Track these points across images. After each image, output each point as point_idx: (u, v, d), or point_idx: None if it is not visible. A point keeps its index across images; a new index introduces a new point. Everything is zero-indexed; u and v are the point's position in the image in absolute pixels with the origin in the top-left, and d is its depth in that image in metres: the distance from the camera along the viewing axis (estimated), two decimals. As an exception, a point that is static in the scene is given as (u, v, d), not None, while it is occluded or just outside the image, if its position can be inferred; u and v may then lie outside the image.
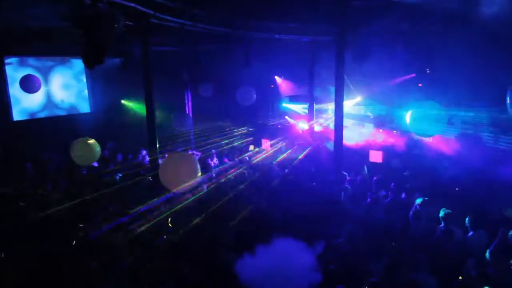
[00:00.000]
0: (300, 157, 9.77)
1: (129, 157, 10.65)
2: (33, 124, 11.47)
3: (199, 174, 5.62)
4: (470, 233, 5.04)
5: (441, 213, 5.36)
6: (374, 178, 7.66)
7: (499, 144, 8.72)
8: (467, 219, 5.20)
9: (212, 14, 7.55)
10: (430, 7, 6.47)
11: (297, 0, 7.15)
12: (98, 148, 8.02)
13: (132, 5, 5.84)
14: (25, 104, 11.41)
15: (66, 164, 9.23)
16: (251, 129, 13.91)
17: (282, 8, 7.48)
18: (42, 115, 11.86)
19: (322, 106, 12.60)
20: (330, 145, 9.94)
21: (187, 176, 5.46)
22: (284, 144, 11.50)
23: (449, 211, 5.32)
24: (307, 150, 10.05)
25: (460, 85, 8.71)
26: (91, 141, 8.01)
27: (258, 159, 10.02)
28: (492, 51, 7.75)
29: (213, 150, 10.74)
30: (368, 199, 6.66)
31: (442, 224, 5.23)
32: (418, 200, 5.84)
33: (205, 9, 7.31)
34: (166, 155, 7.48)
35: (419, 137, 9.92)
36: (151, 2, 6.33)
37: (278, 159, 9.88)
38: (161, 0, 6.48)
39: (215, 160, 9.90)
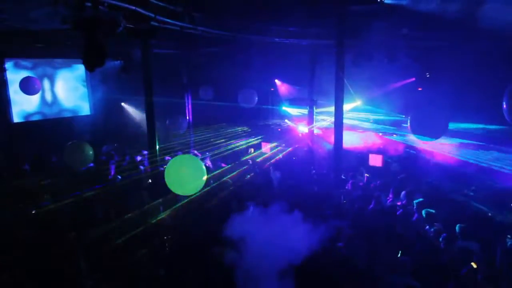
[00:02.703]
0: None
1: (126, 159, 10.63)
2: (33, 126, 11.48)
3: (205, 176, 5.53)
4: (459, 242, 4.99)
5: (423, 214, 5.38)
6: (378, 182, 7.69)
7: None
8: (457, 226, 5.16)
9: (212, 17, 7.58)
10: (431, 13, 6.51)
11: (297, 4, 7.18)
12: (91, 151, 8.02)
13: (133, 8, 5.86)
14: (25, 106, 11.42)
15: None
16: (249, 131, 13.93)
17: (282, 12, 7.52)
18: (42, 117, 11.87)
19: (322, 109, 12.60)
20: (329, 148, 9.97)
21: (194, 179, 5.39)
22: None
23: (432, 211, 5.34)
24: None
25: (460, 90, 8.75)
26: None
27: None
28: (492, 55, 7.80)
29: (207, 153, 10.75)
30: (372, 204, 6.65)
31: (427, 226, 5.25)
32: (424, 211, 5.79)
33: (205, 12, 7.34)
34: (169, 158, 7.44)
35: (419, 141, 9.93)
36: (152, 5, 6.35)
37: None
38: (162, 3, 6.51)
39: (209, 163, 9.87)
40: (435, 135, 7.66)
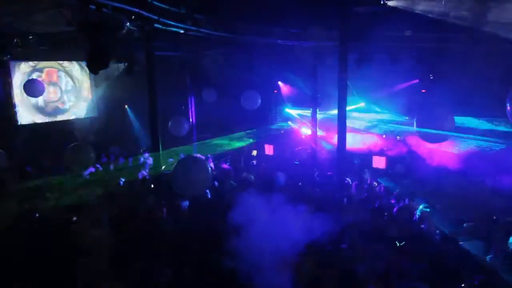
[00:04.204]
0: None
1: (129, 161, 10.64)
2: (37, 128, 11.55)
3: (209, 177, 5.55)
4: (465, 242, 4.97)
5: (418, 212, 5.37)
6: (382, 187, 7.67)
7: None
8: (464, 225, 5.17)
9: (215, 20, 7.61)
10: (433, 15, 6.51)
11: (300, 6, 7.19)
12: (91, 154, 8.04)
13: (136, 10, 5.89)
14: (29, 108, 11.50)
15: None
16: (252, 133, 13.93)
17: (285, 14, 7.53)
18: (46, 119, 11.94)
19: (326, 111, 12.60)
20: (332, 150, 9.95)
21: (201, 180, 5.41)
22: None
23: (427, 209, 5.33)
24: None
25: (463, 91, 8.72)
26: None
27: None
28: (494, 57, 7.76)
29: (208, 155, 10.73)
30: (376, 205, 6.63)
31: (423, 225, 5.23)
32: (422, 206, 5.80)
33: (208, 15, 7.38)
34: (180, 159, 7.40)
35: (423, 142, 9.88)
36: (155, 8, 6.39)
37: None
38: (165, 5, 6.55)
39: (211, 165, 9.85)
40: (441, 138, 7.64)
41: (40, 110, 11.79)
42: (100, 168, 9.57)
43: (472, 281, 4.07)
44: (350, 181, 8.10)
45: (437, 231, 5.25)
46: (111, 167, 9.87)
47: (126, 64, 10.64)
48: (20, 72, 11.14)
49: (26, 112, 11.44)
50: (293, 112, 14.07)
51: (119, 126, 12.90)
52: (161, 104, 8.35)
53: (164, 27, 6.95)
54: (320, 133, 11.95)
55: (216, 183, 7.62)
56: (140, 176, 8.87)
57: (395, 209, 6.46)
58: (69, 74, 12.35)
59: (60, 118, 12.23)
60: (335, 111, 8.36)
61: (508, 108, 5.70)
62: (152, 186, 8.34)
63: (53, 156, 10.52)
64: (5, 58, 9.46)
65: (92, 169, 9.15)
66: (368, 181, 8.32)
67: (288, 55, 11.11)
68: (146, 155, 10.21)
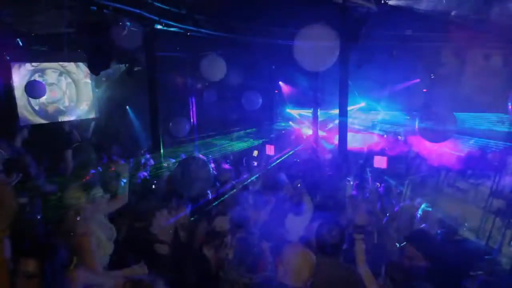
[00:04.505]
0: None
1: (130, 161, 10.61)
2: (39, 129, 11.57)
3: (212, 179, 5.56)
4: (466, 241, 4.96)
5: (420, 211, 5.37)
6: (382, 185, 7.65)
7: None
8: (465, 225, 5.17)
9: (215, 20, 7.62)
10: (435, 14, 6.50)
11: (300, 6, 7.19)
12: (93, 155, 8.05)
13: (137, 11, 5.90)
14: (30, 110, 11.53)
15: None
16: (253, 133, 13.93)
17: (285, 14, 7.54)
18: (47, 120, 11.97)
19: (327, 111, 12.59)
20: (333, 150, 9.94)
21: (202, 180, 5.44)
22: None
23: (428, 209, 5.33)
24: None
25: (464, 91, 8.72)
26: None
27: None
28: (496, 56, 7.76)
29: (210, 156, 10.72)
30: (377, 205, 6.62)
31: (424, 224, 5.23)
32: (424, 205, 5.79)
33: (208, 15, 7.39)
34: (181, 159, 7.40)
35: (425, 142, 9.86)
36: (156, 9, 6.40)
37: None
38: (166, 6, 6.55)
39: (212, 166, 9.82)
40: (443, 137, 7.62)
41: (41, 111, 11.84)
42: (101, 170, 9.56)
43: (473, 280, 4.06)
44: (351, 181, 8.08)
45: (439, 231, 5.24)
46: (112, 168, 9.84)
47: (126, 64, 10.68)
48: (21, 73, 11.18)
49: (27, 113, 11.49)
50: (294, 112, 14.07)
51: (120, 127, 12.92)
52: (161, 105, 8.40)
53: (164, 28, 6.97)
54: (321, 133, 11.93)
55: (218, 183, 7.61)
56: (141, 176, 8.85)
57: (396, 209, 6.46)
58: (70, 75, 12.39)
59: (61, 119, 12.26)
60: (336, 111, 8.37)
61: (510, 107, 5.69)
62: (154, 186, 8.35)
63: (54, 157, 10.55)
64: (6, 59, 9.51)
65: (92, 171, 9.11)
66: (370, 181, 8.30)
67: (289, 55, 11.12)
68: (147, 156, 10.21)
